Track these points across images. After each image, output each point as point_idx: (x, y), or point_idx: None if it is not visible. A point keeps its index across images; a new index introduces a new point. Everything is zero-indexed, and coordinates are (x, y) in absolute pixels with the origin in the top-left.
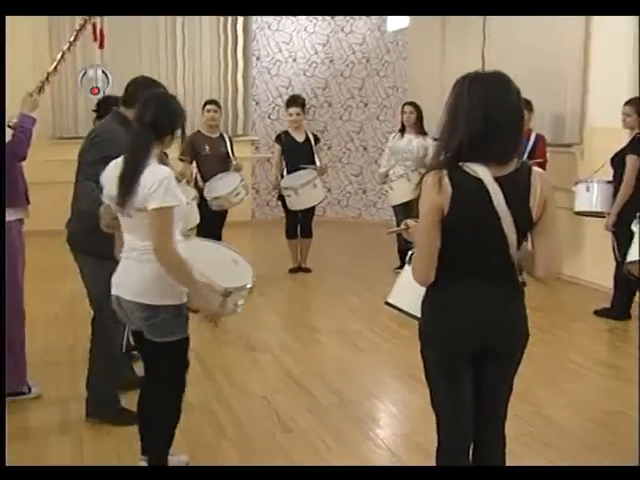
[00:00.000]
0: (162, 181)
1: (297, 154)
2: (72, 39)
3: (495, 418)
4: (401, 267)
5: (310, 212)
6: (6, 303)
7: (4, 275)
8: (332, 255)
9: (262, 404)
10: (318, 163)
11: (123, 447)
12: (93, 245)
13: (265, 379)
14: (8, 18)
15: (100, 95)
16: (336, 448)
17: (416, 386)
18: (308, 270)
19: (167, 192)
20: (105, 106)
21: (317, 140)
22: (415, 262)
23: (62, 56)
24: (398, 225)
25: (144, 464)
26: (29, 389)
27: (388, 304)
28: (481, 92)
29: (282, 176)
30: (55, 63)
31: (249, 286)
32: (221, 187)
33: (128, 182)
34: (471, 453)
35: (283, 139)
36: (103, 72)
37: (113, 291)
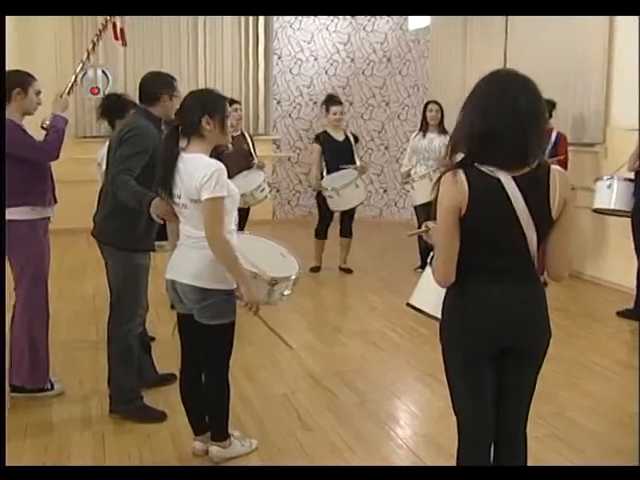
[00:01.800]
0: (213, 173)
1: (337, 154)
2: (95, 39)
3: (517, 418)
4: (422, 267)
5: (351, 212)
6: (32, 301)
7: (4, 274)
8: (353, 254)
9: (283, 403)
10: (358, 162)
11: (145, 443)
12: (122, 239)
13: (286, 378)
14: (31, 20)
15: (100, 95)
16: (357, 447)
17: (437, 386)
18: (349, 271)
19: (217, 183)
20: (109, 104)
21: (356, 139)
22: (435, 263)
23: (87, 56)
24: (419, 225)
25: (200, 446)
26: (52, 386)
27: (409, 305)
28: (488, 94)
29: (322, 176)
30: (81, 64)
31: (293, 277)
32: (245, 184)
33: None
34: (492, 453)
35: (322, 139)
36: (103, 72)
37: (167, 275)
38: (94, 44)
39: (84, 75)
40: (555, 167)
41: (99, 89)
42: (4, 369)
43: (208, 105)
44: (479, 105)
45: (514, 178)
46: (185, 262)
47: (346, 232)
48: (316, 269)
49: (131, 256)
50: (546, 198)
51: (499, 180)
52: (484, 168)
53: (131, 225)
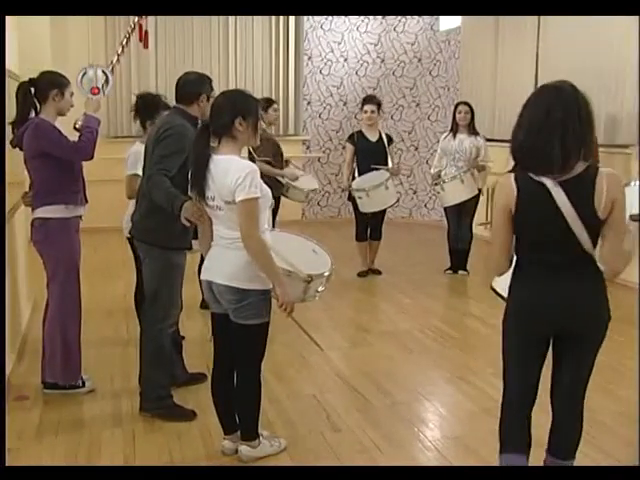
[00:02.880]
0: (247, 175)
1: (369, 154)
2: (124, 41)
3: (570, 400)
4: (451, 268)
5: (381, 214)
6: (65, 298)
7: (4, 273)
8: (382, 255)
9: (312, 403)
10: (391, 164)
11: (174, 442)
12: (160, 237)
13: (315, 378)
14: (65, 20)
15: (100, 95)
16: (385, 448)
17: (466, 388)
18: (378, 272)
19: (252, 184)
20: (144, 102)
21: (391, 140)
22: (490, 254)
23: (117, 59)
24: (449, 227)
25: (229, 445)
26: (83, 383)
27: (492, 289)
28: (528, 107)
29: (354, 177)
30: (111, 65)
31: (327, 274)
32: (308, 181)
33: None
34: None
35: (356, 138)
36: (103, 72)
37: (203, 276)
38: (123, 47)
39: (84, 75)
40: (604, 170)
41: (99, 89)
42: (4, 369)
43: (241, 106)
44: (521, 118)
45: (560, 183)
46: (220, 263)
47: (375, 234)
48: (363, 274)
49: (168, 254)
50: (591, 200)
51: (544, 185)
52: (531, 174)
53: (169, 223)
